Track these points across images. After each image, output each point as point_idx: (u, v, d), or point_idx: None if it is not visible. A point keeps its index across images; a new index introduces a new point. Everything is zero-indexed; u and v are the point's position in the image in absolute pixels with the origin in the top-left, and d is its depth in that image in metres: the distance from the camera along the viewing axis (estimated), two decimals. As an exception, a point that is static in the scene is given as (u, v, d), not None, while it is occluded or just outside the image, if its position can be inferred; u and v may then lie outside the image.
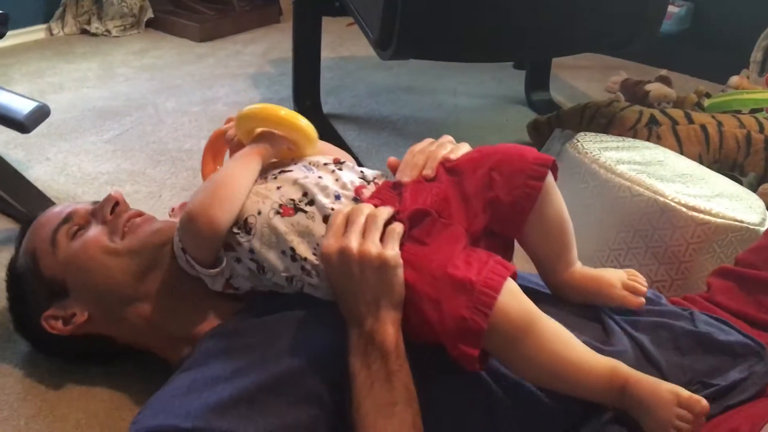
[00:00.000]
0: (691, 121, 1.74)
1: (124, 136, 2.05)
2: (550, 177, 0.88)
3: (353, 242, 0.80)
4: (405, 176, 0.92)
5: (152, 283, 0.99)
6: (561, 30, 1.73)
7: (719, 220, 1.23)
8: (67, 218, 1.03)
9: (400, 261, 0.79)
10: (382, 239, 0.81)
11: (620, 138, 1.55)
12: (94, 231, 1.02)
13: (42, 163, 1.87)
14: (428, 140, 0.98)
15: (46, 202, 1.59)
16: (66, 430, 1.08)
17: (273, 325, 0.90)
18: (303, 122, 0.96)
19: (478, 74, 2.59)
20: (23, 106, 1.60)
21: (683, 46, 2.70)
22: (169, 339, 1.01)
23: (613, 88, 2.49)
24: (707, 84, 2.44)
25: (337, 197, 0.90)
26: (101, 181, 1.80)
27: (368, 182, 0.94)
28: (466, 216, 0.87)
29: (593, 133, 1.53)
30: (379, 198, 0.90)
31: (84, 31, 2.91)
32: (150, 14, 3.00)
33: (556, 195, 0.90)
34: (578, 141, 1.47)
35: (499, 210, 0.87)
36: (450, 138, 0.98)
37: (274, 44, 2.94)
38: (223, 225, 0.88)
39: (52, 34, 2.87)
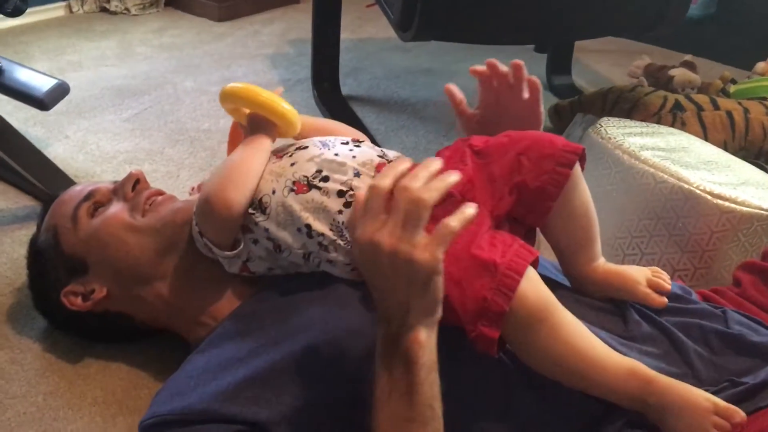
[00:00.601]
0: (716, 107, 1.71)
1: (143, 115, 2.05)
2: (577, 167, 0.86)
3: (386, 237, 0.68)
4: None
5: (171, 262, 0.99)
6: (585, 12, 1.70)
7: (745, 209, 1.21)
8: (89, 196, 1.04)
9: (440, 268, 0.68)
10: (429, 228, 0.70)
11: (644, 123, 1.52)
12: (115, 208, 1.02)
13: (61, 140, 1.88)
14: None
15: (65, 180, 1.59)
16: (83, 407, 1.09)
17: (289, 306, 0.90)
18: (283, 107, 0.93)
19: (499, 57, 2.53)
20: (43, 84, 1.60)
21: (708, 30, 2.66)
22: (187, 319, 1.01)
23: (636, 73, 2.45)
24: (732, 70, 2.39)
25: (357, 174, 0.89)
26: (120, 160, 1.80)
27: (389, 161, 0.93)
28: (491, 198, 0.85)
29: (617, 118, 1.51)
30: None
31: (103, 9, 2.91)
32: (169, -7, 2.99)
33: (583, 186, 0.89)
34: (601, 126, 1.45)
35: (526, 195, 0.85)
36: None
37: (292, 25, 2.92)
38: (240, 207, 0.88)
39: (71, 12, 2.87)
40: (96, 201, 1.04)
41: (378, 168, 0.90)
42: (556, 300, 0.78)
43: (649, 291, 0.91)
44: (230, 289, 0.98)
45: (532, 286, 0.76)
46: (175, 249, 0.99)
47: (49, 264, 1.05)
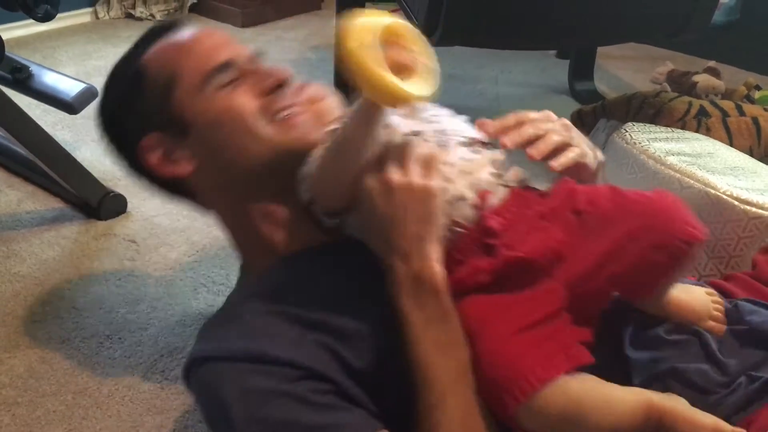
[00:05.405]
0: (742, 113, 1.70)
1: (168, 120, 2.07)
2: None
3: (394, 174, 0.76)
4: (506, 139, 0.81)
5: (270, 182, 0.89)
6: (609, 18, 1.70)
7: (773, 215, 1.20)
8: (225, 66, 0.89)
9: (435, 191, 0.76)
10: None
11: (669, 129, 1.51)
12: (246, 98, 0.89)
13: (88, 144, 1.90)
14: (541, 114, 0.87)
15: (93, 183, 1.61)
16: (112, 406, 1.10)
17: (349, 280, 0.85)
18: (388, 88, 0.68)
19: (521, 63, 2.55)
20: (71, 88, 1.62)
21: (731, 37, 2.63)
22: (249, 239, 0.93)
23: (659, 79, 2.44)
24: (756, 76, 2.38)
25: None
26: (146, 163, 1.82)
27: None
28: (578, 277, 0.76)
29: (642, 124, 1.51)
30: (510, 212, 0.79)
31: (128, 15, 2.94)
32: (193, -1, 3.03)
33: None
34: (626, 131, 1.44)
35: (622, 283, 0.77)
36: (558, 121, 0.88)
37: (315, 31, 2.94)
38: (348, 196, 0.82)
39: (97, 18, 2.91)
40: (230, 77, 0.89)
41: (482, 195, 0.80)
42: (590, 396, 0.73)
43: (713, 324, 0.85)
44: (304, 230, 0.90)
45: (561, 394, 0.72)
46: (280, 173, 0.87)
47: (148, 100, 0.90)
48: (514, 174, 0.82)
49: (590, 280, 0.75)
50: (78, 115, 1.67)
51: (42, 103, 1.68)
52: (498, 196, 0.79)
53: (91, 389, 1.13)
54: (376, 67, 0.67)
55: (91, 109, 1.82)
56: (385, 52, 0.69)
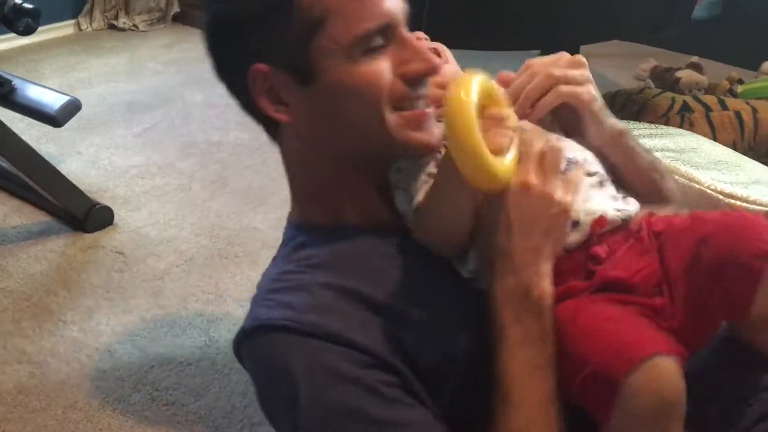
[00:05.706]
0: (725, 107, 1.71)
1: (154, 130, 2.07)
2: None
3: (536, 178, 0.72)
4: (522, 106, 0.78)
5: (368, 161, 0.82)
6: (591, 17, 1.71)
7: (757, 207, 1.21)
8: (383, 30, 0.76)
9: (570, 210, 0.73)
10: None
11: (653, 125, 1.52)
12: (388, 76, 0.77)
13: (74, 156, 1.90)
14: (552, 58, 0.81)
15: (79, 195, 1.60)
16: (102, 419, 1.10)
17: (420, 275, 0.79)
18: (487, 169, 0.68)
19: (505, 63, 2.54)
20: (55, 101, 1.62)
21: (714, 32, 2.66)
22: (311, 193, 0.86)
23: (643, 76, 2.45)
24: (739, 70, 2.39)
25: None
26: (132, 174, 1.81)
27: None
28: (669, 302, 0.72)
29: (626, 121, 1.51)
30: (614, 241, 0.76)
31: (111, 26, 2.93)
32: (176, 8, 3.02)
33: None
34: (610, 129, 1.45)
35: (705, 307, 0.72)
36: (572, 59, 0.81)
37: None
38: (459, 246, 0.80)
39: (80, 30, 2.90)
40: (382, 45, 0.76)
41: (596, 223, 0.76)
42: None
43: None
44: (381, 208, 0.83)
45: (670, 367, 0.65)
46: (383, 159, 0.81)
47: (286, 31, 0.75)
48: (633, 208, 0.77)
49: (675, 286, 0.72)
50: (62, 128, 1.67)
51: (26, 117, 1.67)
52: (610, 226, 0.75)
53: (81, 403, 1.12)
54: (483, 151, 0.67)
55: (75, 121, 1.82)
56: (482, 124, 0.69)
